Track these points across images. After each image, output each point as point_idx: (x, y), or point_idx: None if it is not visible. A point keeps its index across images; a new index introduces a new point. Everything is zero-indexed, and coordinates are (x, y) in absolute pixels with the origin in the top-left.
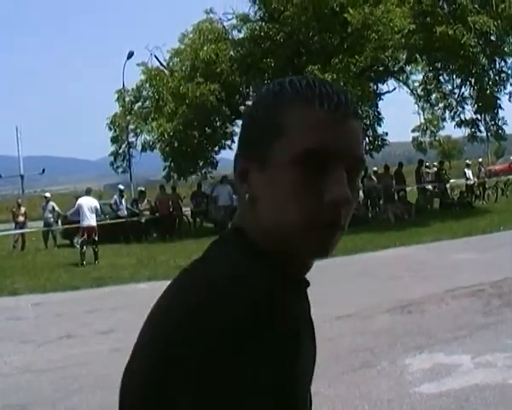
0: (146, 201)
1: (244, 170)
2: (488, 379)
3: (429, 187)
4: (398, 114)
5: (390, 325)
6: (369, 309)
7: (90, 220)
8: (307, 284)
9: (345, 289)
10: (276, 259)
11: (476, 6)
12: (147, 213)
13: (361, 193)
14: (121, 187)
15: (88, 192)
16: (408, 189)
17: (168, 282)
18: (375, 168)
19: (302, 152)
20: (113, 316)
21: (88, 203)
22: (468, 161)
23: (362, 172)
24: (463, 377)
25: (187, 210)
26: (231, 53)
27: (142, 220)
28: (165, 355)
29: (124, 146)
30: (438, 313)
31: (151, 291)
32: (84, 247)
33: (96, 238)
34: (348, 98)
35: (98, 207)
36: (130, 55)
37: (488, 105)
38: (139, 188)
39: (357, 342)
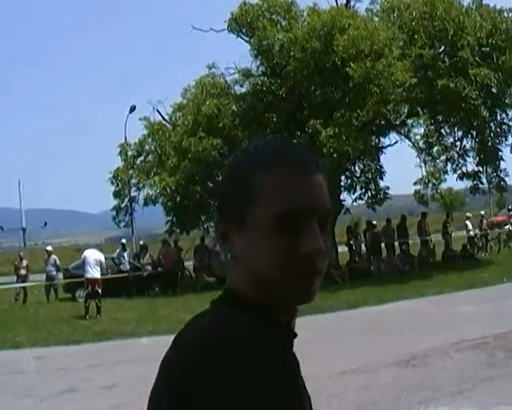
0: (148, 255)
1: (224, 232)
2: None
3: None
4: (400, 166)
5: (394, 380)
6: (373, 363)
7: (95, 273)
8: (295, 335)
9: (348, 344)
10: (265, 309)
11: (477, 59)
12: (149, 267)
13: (363, 246)
14: (123, 241)
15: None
16: (410, 241)
17: (171, 337)
18: (374, 222)
19: (272, 218)
20: (115, 371)
21: (93, 256)
22: (468, 214)
23: (328, 220)
24: None
25: (189, 264)
26: (233, 107)
27: (145, 275)
28: None
29: (126, 200)
30: (442, 366)
31: (153, 346)
32: (89, 300)
33: (100, 291)
34: (310, 156)
35: (103, 260)
36: (132, 109)
37: (490, 157)
38: (140, 242)
39: (361, 397)
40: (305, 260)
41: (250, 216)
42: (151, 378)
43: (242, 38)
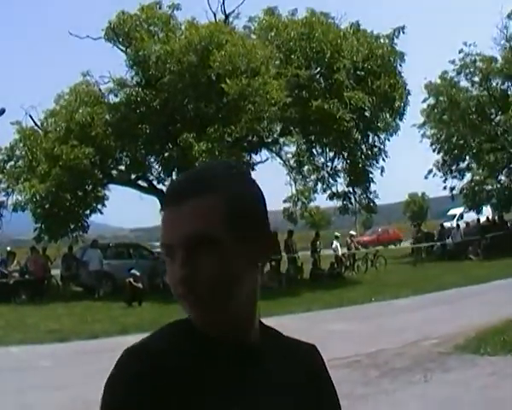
0: (16, 261)
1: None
2: None
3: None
4: (270, 183)
5: None
6: None
7: None
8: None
9: None
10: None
11: (352, 82)
12: (16, 274)
13: None
14: None
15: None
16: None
17: (39, 346)
18: None
19: (161, 247)
20: None
21: None
22: (336, 234)
23: (208, 244)
24: None
25: (55, 273)
26: (107, 117)
27: (11, 282)
28: None
29: None
30: None
31: (23, 355)
32: None
33: None
34: (183, 185)
35: None
36: (2, 112)
37: (360, 178)
38: (8, 248)
39: None
40: (178, 285)
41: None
42: (23, 387)
43: (119, 48)
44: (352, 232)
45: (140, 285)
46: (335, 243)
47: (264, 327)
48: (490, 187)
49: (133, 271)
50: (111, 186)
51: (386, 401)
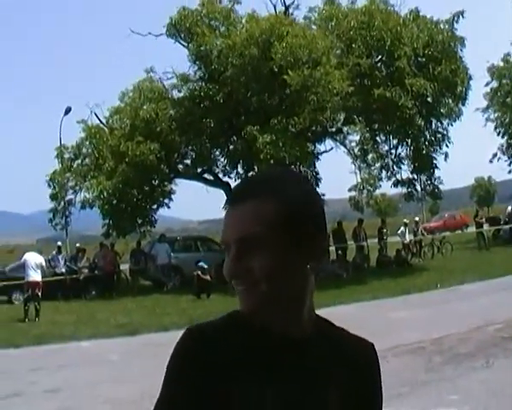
0: (85, 258)
1: None
2: None
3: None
4: (335, 172)
5: None
6: None
7: (36, 276)
8: (286, 342)
9: None
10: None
11: (413, 69)
12: (86, 270)
13: None
14: (59, 243)
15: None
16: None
17: (110, 340)
18: None
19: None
20: (58, 374)
21: (34, 259)
22: (405, 220)
23: (259, 242)
24: None
25: (124, 268)
26: (171, 112)
27: (81, 277)
28: None
29: (62, 203)
30: (383, 370)
31: (93, 349)
32: (28, 303)
33: (40, 294)
34: (244, 187)
35: (43, 263)
36: (68, 110)
37: (424, 165)
38: (77, 244)
39: None
40: (228, 277)
41: None
42: (95, 381)
43: (180, 43)
44: (417, 219)
45: (208, 278)
46: (402, 230)
47: (318, 320)
48: None
49: (201, 263)
50: (177, 180)
51: (449, 388)
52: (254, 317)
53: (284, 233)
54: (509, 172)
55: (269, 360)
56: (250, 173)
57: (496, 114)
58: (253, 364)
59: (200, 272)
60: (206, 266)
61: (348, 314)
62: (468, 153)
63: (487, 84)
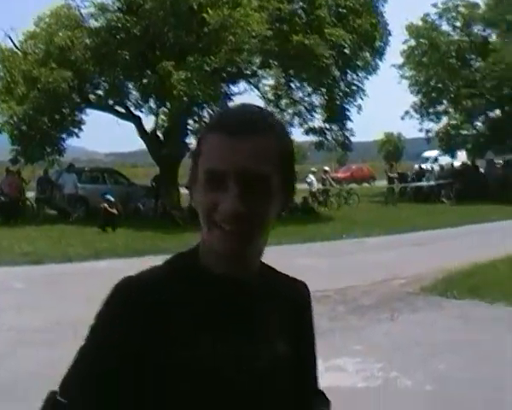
0: None
1: (188, 184)
2: (338, 382)
3: None
4: None
5: None
6: None
7: None
8: (231, 285)
9: None
10: (203, 259)
11: (333, 19)
12: None
13: None
14: None
15: None
16: None
17: (14, 268)
18: None
19: (205, 171)
20: None
21: None
22: (313, 169)
23: (265, 183)
24: None
25: (31, 195)
26: (87, 41)
27: None
28: None
29: None
30: None
31: None
32: None
33: None
34: (253, 119)
35: None
36: None
37: (337, 115)
38: None
39: None
40: (224, 218)
41: (195, 171)
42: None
43: None
44: (326, 168)
45: (114, 211)
46: (311, 178)
47: (262, 266)
48: (465, 132)
49: (107, 196)
50: (88, 111)
51: (353, 337)
52: (232, 260)
53: (281, 175)
54: (420, 130)
55: (221, 308)
56: (161, 109)
57: (411, 72)
58: (204, 313)
59: (106, 205)
60: (112, 199)
61: None
62: (380, 108)
63: (405, 42)
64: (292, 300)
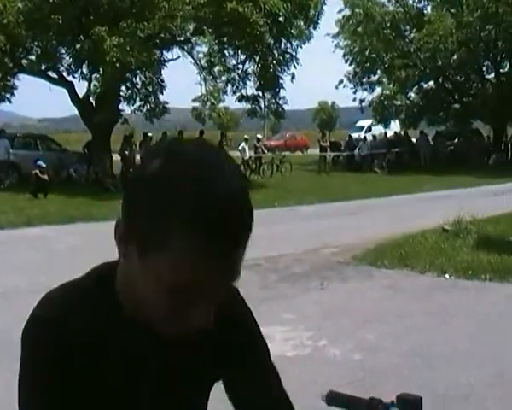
0: None
1: (124, 237)
2: None
3: None
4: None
5: None
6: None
7: None
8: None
9: None
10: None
11: None
12: None
13: (138, 157)
14: None
15: None
16: None
17: None
18: (150, 134)
19: (169, 282)
20: None
21: None
22: (246, 136)
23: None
24: None
25: None
26: (19, 5)
27: None
28: None
29: None
30: None
31: None
32: None
33: None
34: (236, 214)
35: None
36: None
37: (270, 83)
38: None
39: None
40: (185, 325)
41: (154, 258)
42: None
43: None
44: (259, 136)
45: (46, 177)
46: (243, 145)
47: None
48: (399, 102)
49: (39, 162)
50: (20, 76)
51: (284, 306)
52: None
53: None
54: (353, 99)
55: (140, 366)
56: (94, 75)
57: (345, 42)
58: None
59: (38, 171)
60: (44, 165)
61: None
62: (314, 76)
63: (340, 11)
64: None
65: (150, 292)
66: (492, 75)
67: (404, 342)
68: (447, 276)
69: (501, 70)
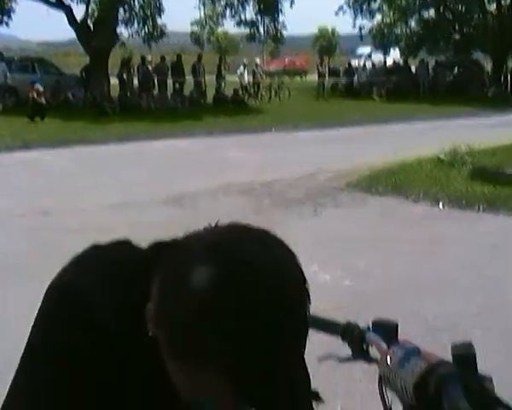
0: None
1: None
2: None
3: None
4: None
5: (164, 217)
6: (144, 200)
7: None
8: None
9: (119, 178)
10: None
11: None
12: None
13: (135, 81)
14: None
15: None
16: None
17: None
18: (149, 57)
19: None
20: None
21: None
22: (245, 61)
23: None
24: None
25: None
26: None
27: None
28: None
29: None
30: (210, 208)
31: None
32: None
33: None
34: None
35: None
36: None
37: (269, 8)
38: None
39: (132, 232)
40: None
41: (182, 361)
42: None
43: None
44: (257, 60)
45: (43, 100)
46: (241, 70)
47: None
48: (399, 31)
49: (37, 85)
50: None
51: (277, 231)
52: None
53: None
54: (354, 26)
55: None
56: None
57: None
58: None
59: (35, 94)
60: (41, 88)
61: (182, 149)
62: (316, 2)
63: None
64: None
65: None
66: (494, 6)
67: (395, 270)
68: (441, 205)
69: (502, 1)
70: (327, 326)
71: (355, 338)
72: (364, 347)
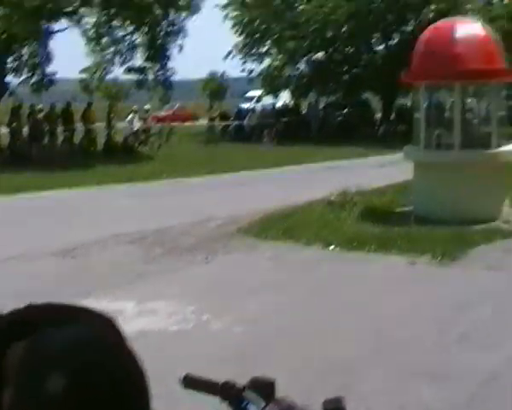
0: None
1: None
2: (151, 326)
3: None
4: (68, 50)
5: (56, 269)
6: (35, 252)
7: None
8: None
9: (8, 231)
10: None
11: None
12: None
13: (26, 129)
14: None
15: None
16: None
17: None
18: (39, 106)
19: None
20: None
21: None
22: (134, 107)
23: None
24: (128, 322)
25: None
26: None
27: None
28: None
29: None
30: (102, 259)
31: None
32: None
33: None
34: None
35: None
36: None
37: (158, 55)
38: None
39: (22, 286)
40: None
41: None
42: None
43: None
44: (147, 107)
45: None
46: (131, 117)
47: None
48: (288, 73)
49: None
50: None
51: (168, 280)
52: None
53: None
54: (242, 70)
55: None
56: None
57: (235, 13)
58: None
59: None
60: None
61: (73, 198)
62: (204, 47)
63: None
64: None
65: None
66: (382, 47)
67: (287, 315)
68: (331, 248)
69: (389, 42)
70: (205, 386)
71: (233, 397)
72: (243, 405)
